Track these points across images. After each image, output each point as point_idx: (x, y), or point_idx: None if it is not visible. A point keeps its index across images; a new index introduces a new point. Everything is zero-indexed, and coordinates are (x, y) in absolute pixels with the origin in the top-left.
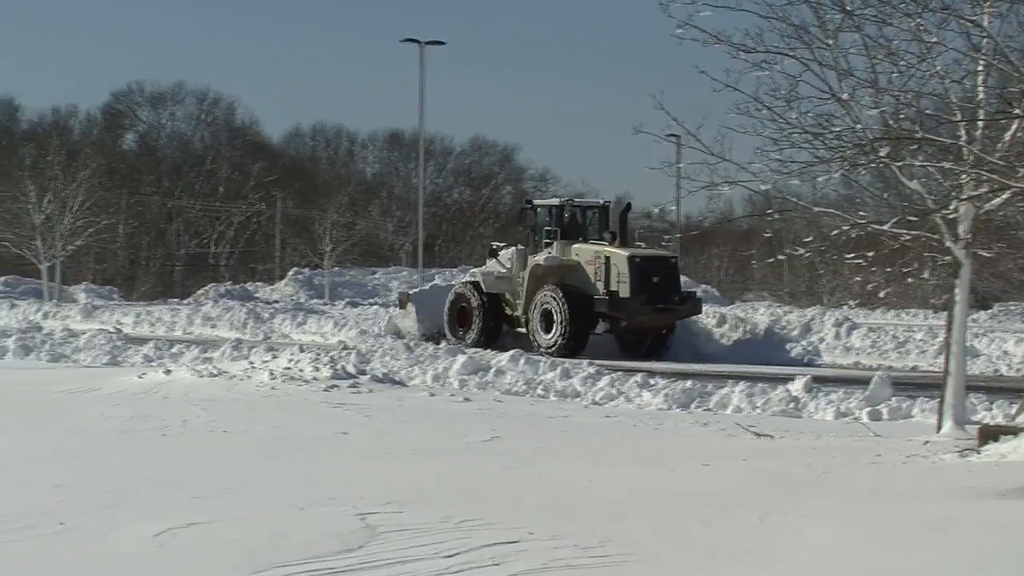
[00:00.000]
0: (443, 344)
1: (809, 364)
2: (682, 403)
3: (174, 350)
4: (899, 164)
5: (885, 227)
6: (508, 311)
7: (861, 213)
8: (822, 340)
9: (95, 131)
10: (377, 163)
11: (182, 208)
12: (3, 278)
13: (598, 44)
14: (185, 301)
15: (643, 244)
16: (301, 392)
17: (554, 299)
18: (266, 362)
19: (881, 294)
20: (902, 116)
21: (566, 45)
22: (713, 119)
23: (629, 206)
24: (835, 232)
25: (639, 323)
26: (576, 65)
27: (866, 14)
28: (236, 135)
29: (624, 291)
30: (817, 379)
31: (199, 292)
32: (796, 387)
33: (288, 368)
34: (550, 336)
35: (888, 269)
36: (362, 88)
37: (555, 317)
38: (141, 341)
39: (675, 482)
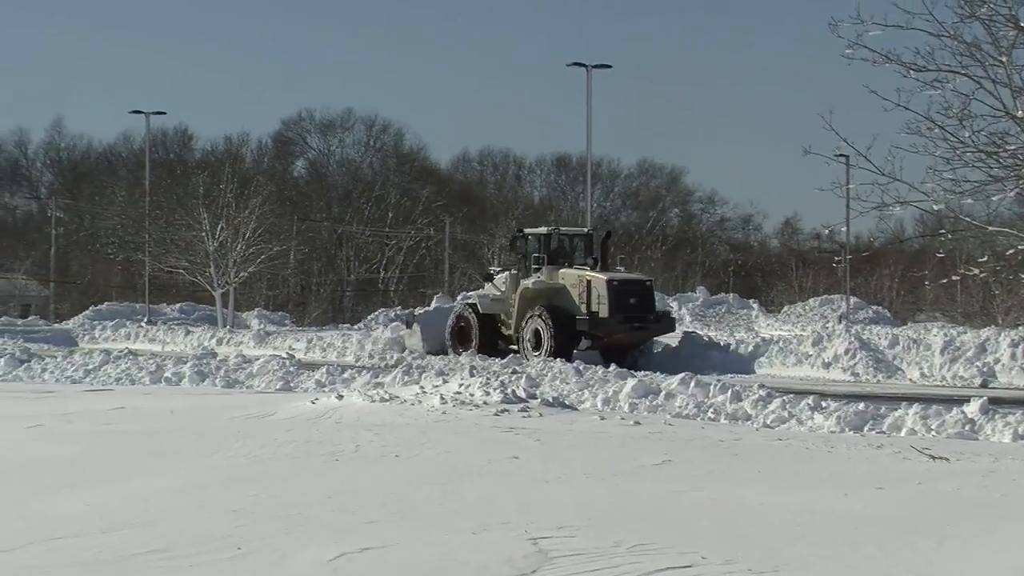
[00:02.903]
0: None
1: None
2: (855, 425)
3: (346, 375)
4: None
5: None
6: (503, 330)
7: None
8: (997, 361)
9: (266, 159)
10: (544, 187)
11: (352, 234)
12: (178, 305)
13: (766, 65)
14: (356, 326)
15: (622, 269)
16: (472, 416)
17: (541, 319)
18: (437, 387)
19: None
20: None
21: (733, 66)
22: (883, 139)
23: (610, 234)
24: (1010, 251)
25: (617, 340)
26: (744, 86)
27: None
28: (404, 161)
29: (604, 311)
30: (993, 401)
31: (369, 317)
32: (972, 409)
33: (459, 393)
34: (538, 353)
35: None
36: (529, 112)
37: (542, 335)
38: (313, 367)
39: (849, 505)
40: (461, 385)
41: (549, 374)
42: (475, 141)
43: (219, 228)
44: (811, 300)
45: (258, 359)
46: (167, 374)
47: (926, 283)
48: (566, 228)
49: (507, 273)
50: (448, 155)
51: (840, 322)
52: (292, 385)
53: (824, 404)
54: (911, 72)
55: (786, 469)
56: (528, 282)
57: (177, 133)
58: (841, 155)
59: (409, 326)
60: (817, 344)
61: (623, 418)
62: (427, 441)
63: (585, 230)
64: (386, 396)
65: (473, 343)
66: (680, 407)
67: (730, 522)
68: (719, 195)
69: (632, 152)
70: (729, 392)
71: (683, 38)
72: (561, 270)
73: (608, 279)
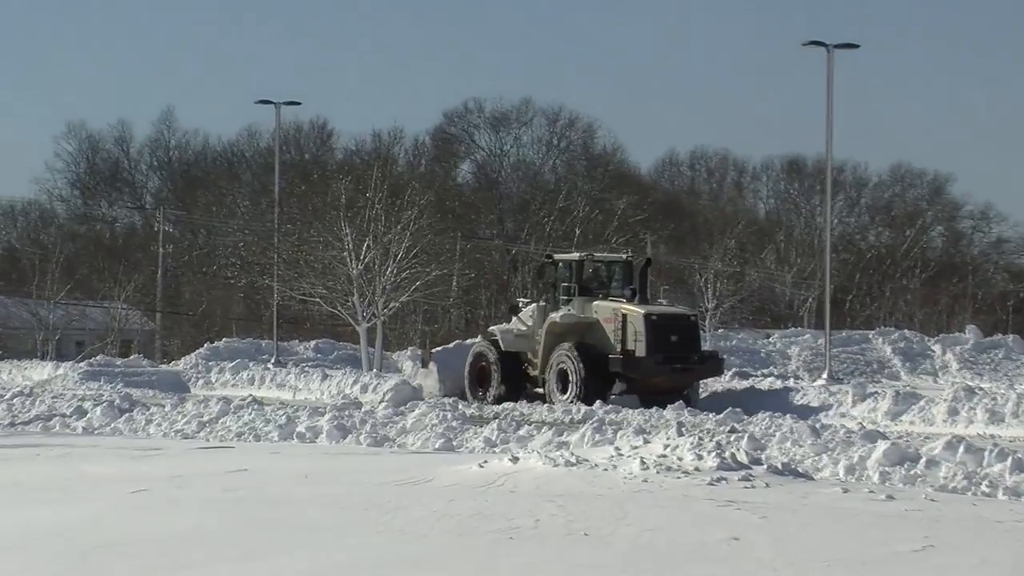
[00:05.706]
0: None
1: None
2: None
3: (522, 432)
4: None
5: None
6: (529, 370)
7: None
8: None
9: (424, 161)
10: (772, 197)
11: (529, 255)
12: (313, 342)
13: None
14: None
15: (664, 301)
16: (680, 486)
17: (569, 358)
18: (636, 448)
19: None
20: None
21: (1014, 45)
22: None
23: (649, 261)
24: None
25: (655, 383)
26: None
27: None
28: (596, 164)
29: (640, 350)
30: None
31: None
32: None
33: (664, 456)
34: (565, 397)
35: None
36: (753, 104)
37: (570, 376)
38: (481, 421)
39: None
40: (667, 446)
41: (778, 434)
42: (684, 140)
43: (365, 247)
44: None
45: (412, 411)
46: (300, 428)
47: None
48: (600, 255)
49: (534, 305)
50: (650, 157)
51: None
52: (455, 444)
53: None
54: None
55: None
56: (556, 316)
57: (314, 128)
58: None
59: (425, 365)
60: None
61: (872, 491)
62: (624, 516)
63: (623, 257)
64: (572, 459)
65: (494, 385)
66: (945, 478)
67: None
68: (995, 210)
69: (884, 155)
70: (1009, 460)
71: (946, 14)
72: (594, 302)
73: (646, 313)
